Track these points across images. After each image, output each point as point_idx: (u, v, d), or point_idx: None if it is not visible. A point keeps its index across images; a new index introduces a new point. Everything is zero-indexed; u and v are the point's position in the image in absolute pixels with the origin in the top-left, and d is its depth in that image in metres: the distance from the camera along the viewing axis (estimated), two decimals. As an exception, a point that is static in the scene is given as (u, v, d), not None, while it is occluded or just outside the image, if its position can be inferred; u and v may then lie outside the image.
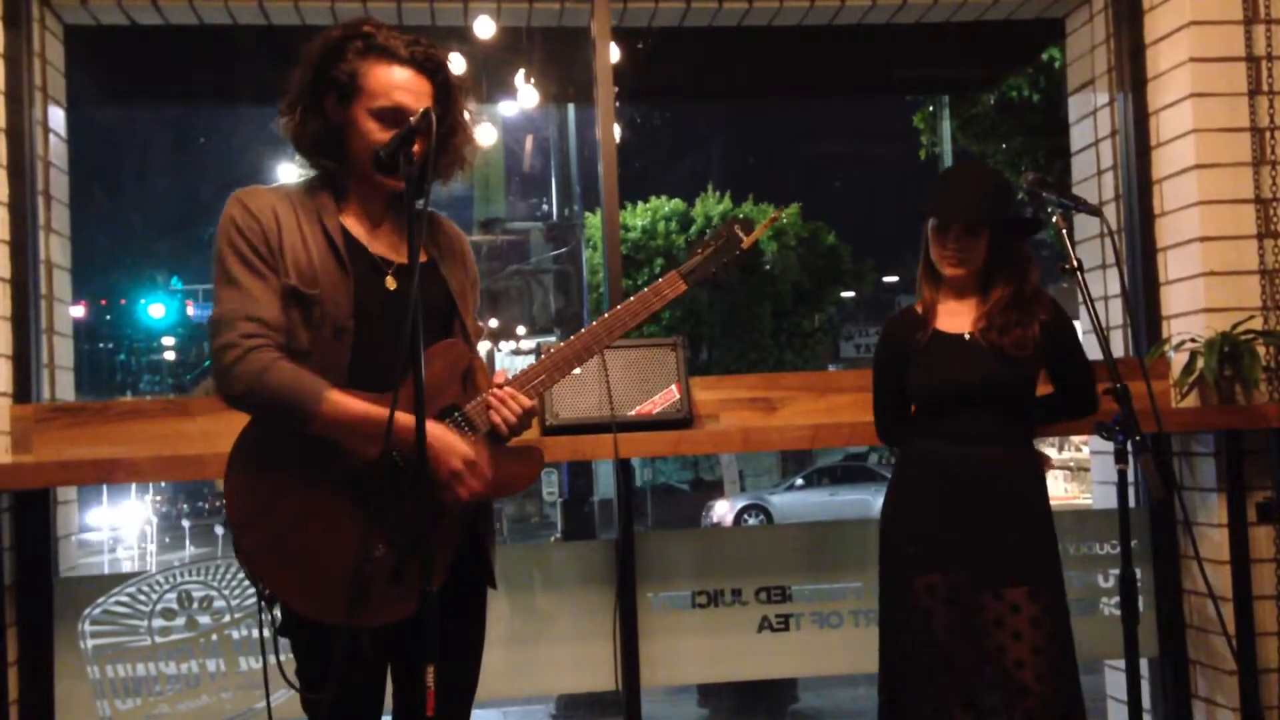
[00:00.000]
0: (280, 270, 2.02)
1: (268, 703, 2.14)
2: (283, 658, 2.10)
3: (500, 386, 2.11)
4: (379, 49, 2.08)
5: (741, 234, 2.22)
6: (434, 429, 1.97)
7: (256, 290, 2.00)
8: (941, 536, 2.66)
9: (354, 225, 2.14)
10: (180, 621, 3.42)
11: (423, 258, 2.14)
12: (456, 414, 2.08)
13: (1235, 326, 3.48)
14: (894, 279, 30.78)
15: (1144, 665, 3.79)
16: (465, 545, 2.12)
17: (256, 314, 1.99)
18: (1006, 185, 2.74)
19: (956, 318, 2.76)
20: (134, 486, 18.30)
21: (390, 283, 2.11)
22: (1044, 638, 2.58)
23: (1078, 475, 21.02)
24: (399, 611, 1.98)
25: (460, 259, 2.27)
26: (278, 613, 2.07)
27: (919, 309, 2.81)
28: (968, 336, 2.71)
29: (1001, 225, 2.66)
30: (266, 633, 2.05)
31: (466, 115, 2.19)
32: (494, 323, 23.42)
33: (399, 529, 1.99)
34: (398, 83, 2.07)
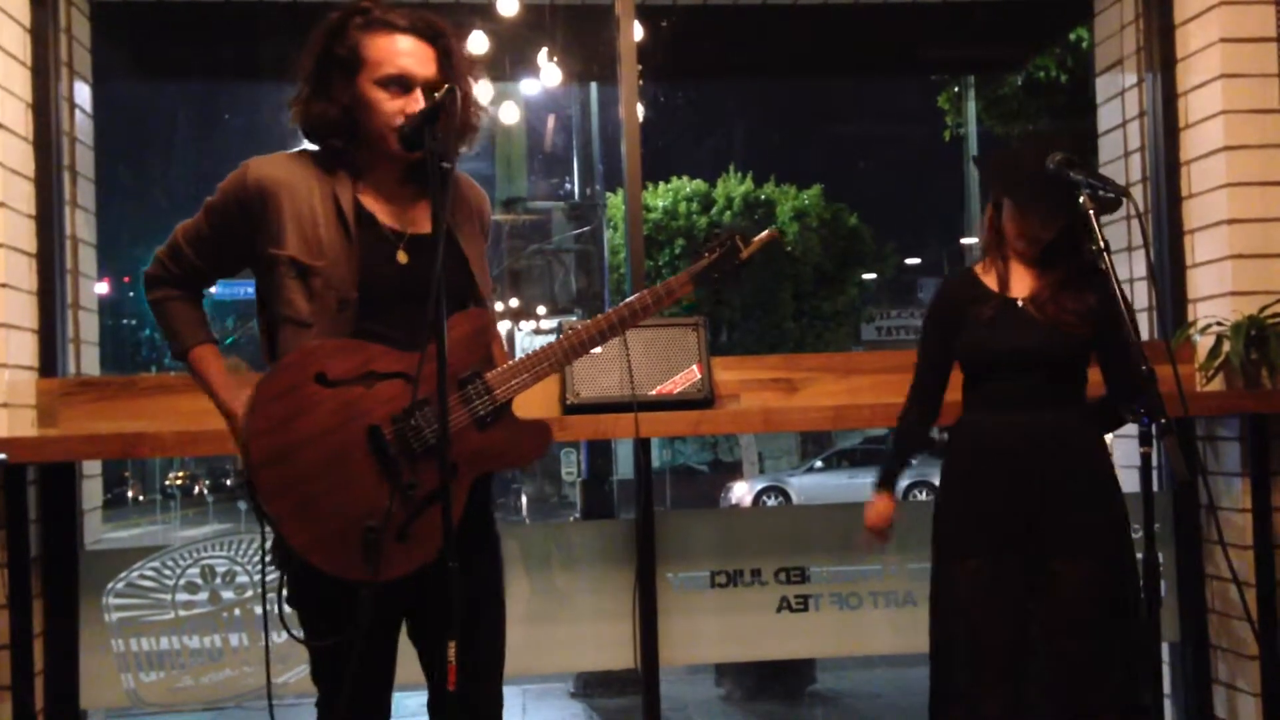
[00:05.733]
0: (241, 239, 2.14)
1: (265, 628, 2.16)
2: (295, 632, 2.12)
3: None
4: (378, 22, 2.13)
5: (740, 245, 2.25)
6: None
7: (203, 235, 2.19)
8: (993, 514, 2.62)
9: (369, 199, 2.16)
10: (203, 595, 3.45)
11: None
12: (478, 381, 2.10)
13: (1262, 310, 3.45)
14: (916, 261, 30.65)
15: (1165, 649, 3.77)
16: (471, 510, 2.13)
17: (189, 252, 2.20)
18: (1086, 164, 2.71)
19: (1018, 282, 2.73)
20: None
21: (401, 256, 2.13)
22: (1088, 608, 2.56)
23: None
24: (402, 568, 2.01)
25: (476, 218, 2.28)
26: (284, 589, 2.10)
27: (978, 272, 2.79)
28: (1020, 303, 2.69)
29: (1079, 188, 2.57)
30: (272, 596, 2.08)
31: (471, 80, 2.21)
32: (515, 302, 23.43)
33: (411, 488, 2.01)
34: (400, 49, 2.11)
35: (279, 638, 2.21)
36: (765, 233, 2.29)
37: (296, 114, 2.16)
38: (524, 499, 22.26)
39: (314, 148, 2.19)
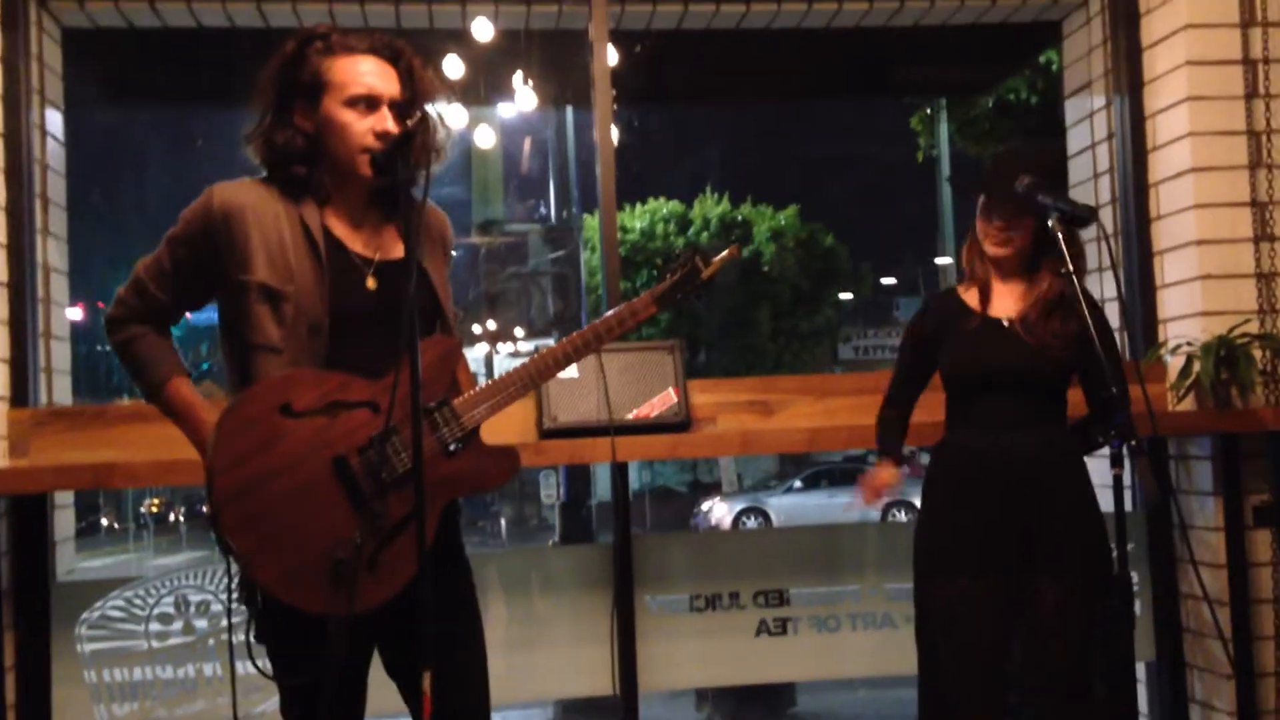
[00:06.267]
0: (206, 268, 2.11)
1: (231, 660, 2.14)
2: (260, 662, 2.10)
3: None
4: (339, 46, 2.14)
5: (701, 265, 2.27)
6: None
7: (166, 268, 2.14)
8: (973, 534, 2.62)
9: (336, 224, 2.15)
10: (177, 626, 3.42)
11: (401, 253, 2.15)
12: (445, 408, 2.10)
13: (1232, 330, 3.48)
14: (892, 281, 30.81)
15: (1141, 669, 3.79)
16: (440, 533, 2.13)
17: (153, 289, 2.15)
18: (1062, 172, 2.71)
19: (1001, 301, 2.72)
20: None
21: (370, 282, 2.13)
22: (1072, 628, 2.56)
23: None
24: (372, 599, 1.99)
25: (440, 243, 2.29)
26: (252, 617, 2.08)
27: (961, 291, 2.78)
28: (1006, 323, 2.69)
29: (1048, 211, 2.55)
30: (240, 637, 2.06)
31: (435, 97, 2.23)
32: (492, 325, 23.41)
33: (379, 518, 2.00)
34: (364, 70, 2.12)
35: (251, 669, 2.19)
36: (725, 251, 2.32)
37: (257, 146, 2.15)
38: (503, 522, 22.18)
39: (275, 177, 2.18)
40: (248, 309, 2.07)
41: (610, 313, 2.23)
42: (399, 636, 2.09)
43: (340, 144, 2.11)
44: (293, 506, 1.98)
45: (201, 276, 2.13)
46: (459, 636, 2.17)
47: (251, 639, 2.09)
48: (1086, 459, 2.72)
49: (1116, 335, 3.88)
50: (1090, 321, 2.48)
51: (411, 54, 2.19)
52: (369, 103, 2.11)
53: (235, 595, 2.08)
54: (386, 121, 2.10)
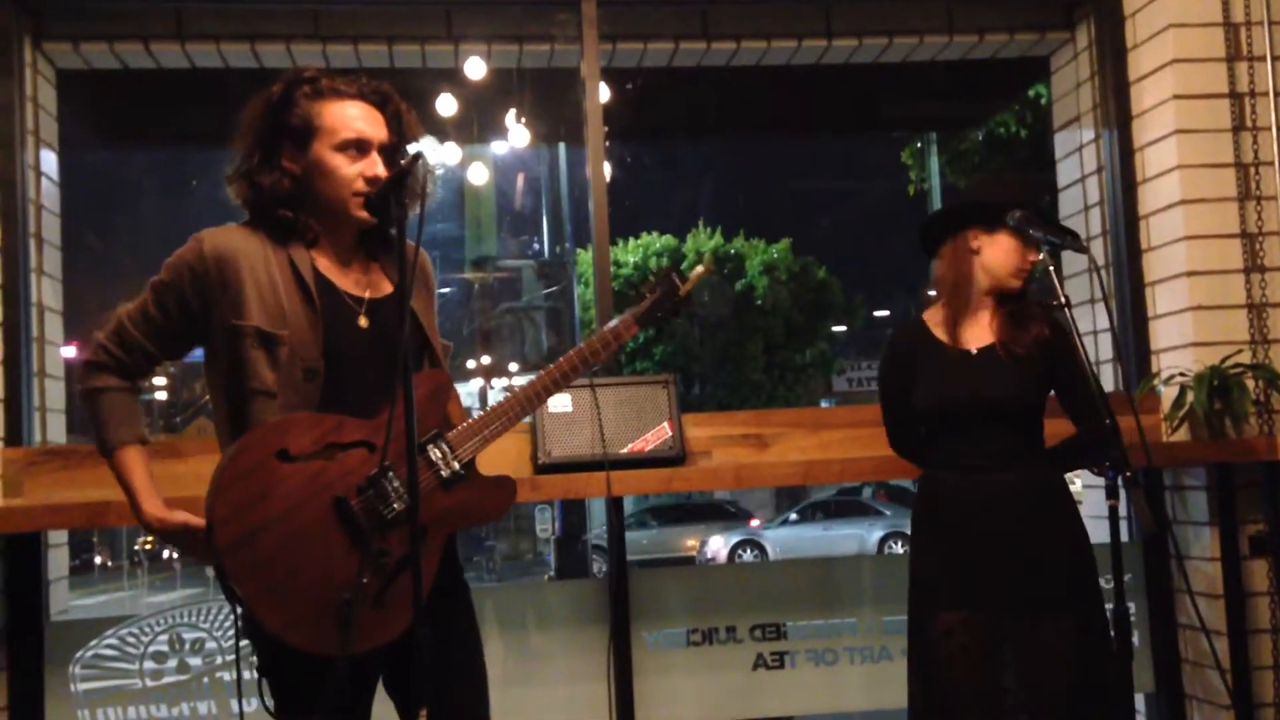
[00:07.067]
0: (195, 316, 2.12)
1: (239, 695, 2.13)
2: (266, 700, 2.09)
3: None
4: (328, 90, 2.16)
5: (679, 283, 2.31)
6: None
7: (152, 316, 2.13)
8: (960, 570, 2.62)
9: (325, 265, 2.16)
10: (172, 664, 3.40)
11: (389, 289, 2.20)
12: (440, 442, 2.10)
13: (1224, 360, 3.50)
14: (885, 313, 30.89)
15: (1140, 700, 3.78)
16: (443, 569, 2.13)
17: (138, 336, 2.13)
18: (1045, 218, 2.73)
19: (968, 330, 2.72)
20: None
21: (362, 321, 2.14)
22: (1066, 664, 2.55)
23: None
24: (381, 637, 2.00)
25: (423, 279, 2.30)
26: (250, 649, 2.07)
27: (928, 322, 2.77)
28: (975, 351, 2.69)
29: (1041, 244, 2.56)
30: (247, 674, 2.04)
31: (420, 141, 2.26)
32: (486, 360, 23.41)
33: (384, 556, 2.00)
34: (353, 115, 2.15)
35: (249, 707, 2.18)
36: (700, 268, 2.37)
37: (240, 187, 2.15)
38: (498, 556, 22.09)
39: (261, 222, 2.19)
40: (242, 354, 2.07)
41: (594, 335, 2.26)
42: (402, 664, 2.09)
43: (330, 188, 2.13)
44: (296, 551, 1.97)
45: (189, 324, 2.13)
46: (462, 665, 2.18)
47: (254, 675, 2.08)
48: (1083, 488, 2.72)
49: (1110, 366, 3.93)
50: (1070, 345, 2.48)
51: (398, 99, 2.22)
52: (359, 147, 2.13)
53: (240, 627, 2.08)
54: (376, 166, 2.13)
